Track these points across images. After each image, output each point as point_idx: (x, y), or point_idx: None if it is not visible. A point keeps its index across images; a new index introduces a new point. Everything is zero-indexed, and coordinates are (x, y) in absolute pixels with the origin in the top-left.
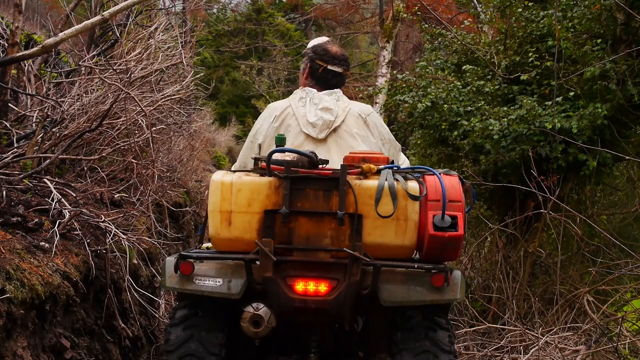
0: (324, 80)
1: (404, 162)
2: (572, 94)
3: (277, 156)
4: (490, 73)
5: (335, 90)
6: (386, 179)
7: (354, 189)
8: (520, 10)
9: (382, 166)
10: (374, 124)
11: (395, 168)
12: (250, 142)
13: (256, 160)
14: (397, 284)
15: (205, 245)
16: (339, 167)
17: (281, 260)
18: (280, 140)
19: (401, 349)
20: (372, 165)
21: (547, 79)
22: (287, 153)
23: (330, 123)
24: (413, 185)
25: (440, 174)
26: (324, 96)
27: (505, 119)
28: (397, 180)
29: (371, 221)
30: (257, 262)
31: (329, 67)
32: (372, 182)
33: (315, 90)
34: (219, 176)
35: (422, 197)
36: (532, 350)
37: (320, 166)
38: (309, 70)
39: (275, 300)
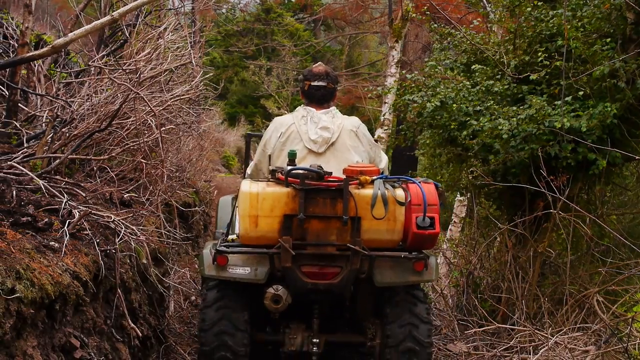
0: (311, 96)
1: (383, 158)
2: (581, 93)
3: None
4: (500, 73)
5: (330, 109)
6: (379, 189)
7: (354, 197)
8: (529, 9)
9: (375, 177)
10: (362, 135)
11: (384, 178)
12: (262, 150)
13: (273, 172)
14: (387, 269)
15: (230, 237)
16: (336, 174)
17: (297, 253)
18: (292, 155)
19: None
20: (367, 177)
21: (556, 78)
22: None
23: (328, 139)
24: (400, 193)
25: (420, 182)
26: (322, 115)
27: (515, 119)
28: (387, 189)
29: (368, 222)
30: (278, 255)
31: (312, 83)
32: (368, 191)
33: (314, 110)
34: (247, 187)
35: (407, 203)
36: (541, 351)
37: (326, 176)
38: (301, 91)
39: (292, 283)
